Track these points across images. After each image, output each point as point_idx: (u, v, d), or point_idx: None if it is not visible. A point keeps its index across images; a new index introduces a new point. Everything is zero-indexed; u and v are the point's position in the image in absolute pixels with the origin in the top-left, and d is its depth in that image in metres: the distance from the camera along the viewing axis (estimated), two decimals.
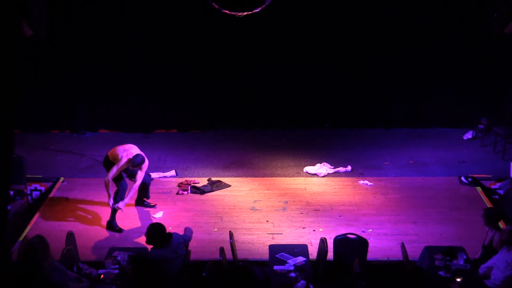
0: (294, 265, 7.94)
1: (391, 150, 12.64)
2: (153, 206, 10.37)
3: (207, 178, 11.38)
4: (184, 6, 12.85)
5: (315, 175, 11.63)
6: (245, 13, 9.00)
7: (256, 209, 10.42)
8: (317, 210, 10.38)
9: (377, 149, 12.68)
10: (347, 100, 13.47)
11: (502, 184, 10.94)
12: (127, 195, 9.67)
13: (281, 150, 12.64)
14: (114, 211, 9.67)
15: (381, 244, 9.33)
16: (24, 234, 9.51)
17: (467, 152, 12.52)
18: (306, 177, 11.62)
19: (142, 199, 10.36)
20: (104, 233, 9.64)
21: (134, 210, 10.31)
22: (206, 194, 10.91)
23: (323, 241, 8.26)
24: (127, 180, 9.91)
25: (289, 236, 9.61)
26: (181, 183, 11.24)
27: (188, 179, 11.39)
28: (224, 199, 10.79)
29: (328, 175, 11.62)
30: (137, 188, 9.80)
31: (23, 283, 6.97)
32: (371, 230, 9.72)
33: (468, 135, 13.12)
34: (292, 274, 7.72)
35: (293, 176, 11.68)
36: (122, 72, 13.26)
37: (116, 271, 7.75)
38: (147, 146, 12.69)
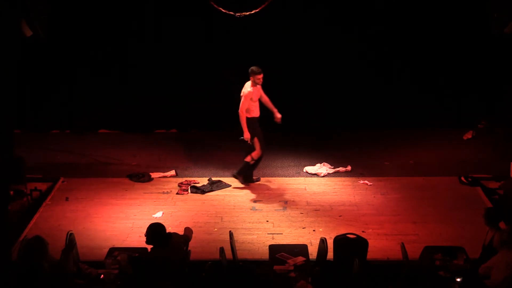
0: (294, 265, 7.94)
1: (391, 150, 12.63)
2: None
3: (207, 178, 11.38)
4: (184, 5, 12.84)
5: (315, 175, 11.63)
6: (244, 14, 9.02)
7: (256, 209, 10.41)
8: (317, 210, 10.37)
9: (377, 149, 12.68)
10: (347, 100, 13.46)
11: (502, 184, 10.94)
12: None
13: (281, 150, 12.63)
14: (246, 165, 10.61)
15: (381, 244, 9.32)
16: (24, 234, 9.49)
17: (467, 152, 12.51)
18: (306, 177, 11.61)
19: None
20: (104, 233, 9.64)
21: (134, 210, 10.32)
22: (206, 194, 10.91)
23: (323, 241, 8.26)
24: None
25: (289, 236, 9.61)
26: (181, 183, 11.24)
27: (188, 179, 11.39)
28: (224, 199, 10.79)
29: (328, 175, 11.62)
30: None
31: (23, 283, 6.96)
32: (371, 230, 9.71)
33: (468, 135, 13.11)
34: (292, 274, 7.71)
35: (293, 176, 11.67)
36: (122, 72, 13.26)
37: (116, 271, 7.75)
38: (147, 146, 12.71)
